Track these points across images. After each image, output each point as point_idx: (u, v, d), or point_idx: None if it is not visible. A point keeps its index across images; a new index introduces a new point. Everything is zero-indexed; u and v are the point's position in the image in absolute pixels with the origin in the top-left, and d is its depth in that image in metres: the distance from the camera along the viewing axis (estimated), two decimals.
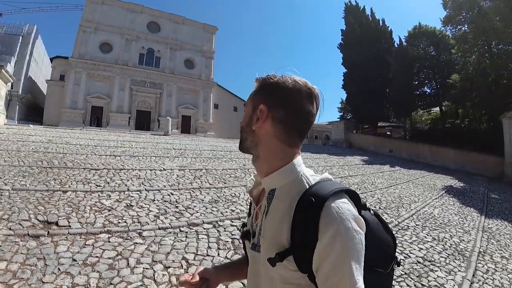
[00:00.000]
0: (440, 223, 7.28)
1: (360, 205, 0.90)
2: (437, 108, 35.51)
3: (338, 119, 38.03)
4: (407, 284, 4.00)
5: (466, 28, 26.98)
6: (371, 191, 9.79)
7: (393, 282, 1.63)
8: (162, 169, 8.99)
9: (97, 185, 6.44)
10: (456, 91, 28.22)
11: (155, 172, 8.40)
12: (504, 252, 5.91)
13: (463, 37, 26.74)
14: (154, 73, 45.00)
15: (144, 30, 46.00)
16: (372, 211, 0.97)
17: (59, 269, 3.26)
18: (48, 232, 4.03)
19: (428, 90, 36.27)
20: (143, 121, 43.08)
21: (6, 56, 36.68)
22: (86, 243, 3.86)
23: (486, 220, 8.52)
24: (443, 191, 12.18)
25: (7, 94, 26.17)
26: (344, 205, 0.80)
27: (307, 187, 0.86)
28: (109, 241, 3.99)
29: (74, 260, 3.45)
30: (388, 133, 38.81)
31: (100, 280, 3.16)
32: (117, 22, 43.51)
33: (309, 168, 0.96)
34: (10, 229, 3.99)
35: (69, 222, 4.39)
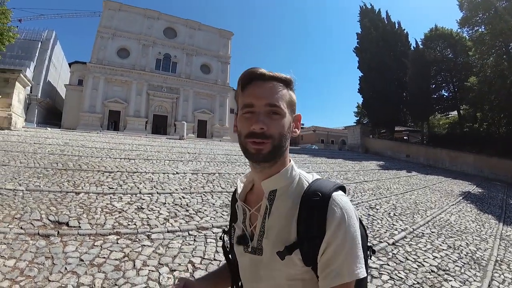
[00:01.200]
0: (457, 230, 7.08)
1: None
2: (455, 112, 34.99)
3: (354, 124, 37.72)
4: None
5: (483, 30, 26.51)
6: (386, 196, 9.61)
7: None
8: (175, 172, 9.01)
9: (109, 187, 6.48)
10: (474, 94, 27.76)
11: (168, 176, 8.42)
12: None
13: (480, 38, 26.21)
14: (171, 78, 45.71)
15: (160, 35, 46.83)
16: None
17: (65, 268, 3.27)
18: (58, 232, 4.06)
19: (446, 94, 36.05)
20: (159, 125, 43.75)
21: (25, 61, 37.71)
22: (95, 244, 3.87)
23: (504, 228, 8.27)
24: (461, 197, 11.89)
25: (26, 98, 26.82)
26: (345, 198, 0.89)
27: (307, 185, 0.92)
28: (117, 243, 3.99)
29: (81, 260, 3.46)
30: (405, 137, 38.26)
31: (105, 281, 3.15)
32: (134, 28, 44.42)
33: (316, 173, 1.01)
34: (21, 228, 4.05)
35: (79, 223, 4.42)
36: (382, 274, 4.16)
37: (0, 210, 4.54)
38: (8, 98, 15.36)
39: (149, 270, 3.44)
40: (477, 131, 29.71)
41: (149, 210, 5.34)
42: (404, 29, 38.39)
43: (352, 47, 42.76)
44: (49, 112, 41.33)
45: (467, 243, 6.18)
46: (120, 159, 10.33)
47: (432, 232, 6.53)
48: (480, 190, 15.01)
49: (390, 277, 4.11)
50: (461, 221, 8.12)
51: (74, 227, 4.30)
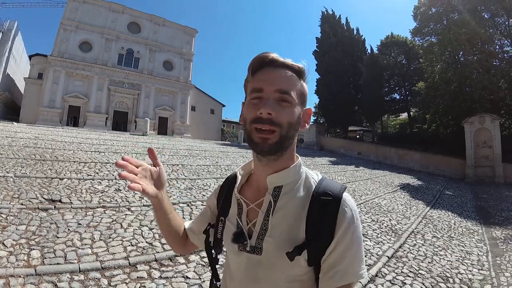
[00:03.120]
0: (384, 210, 8.52)
1: None
2: (406, 114, 37.52)
3: (312, 123, 39.33)
4: None
5: (433, 39, 28.87)
6: None
7: None
8: None
9: (88, 174, 7.47)
10: (421, 98, 30.34)
11: None
12: (437, 233, 7.10)
13: (429, 48, 28.65)
14: (133, 73, 45.32)
15: (124, 30, 46.23)
16: None
17: (68, 229, 4.32)
18: (55, 206, 5.06)
19: (398, 96, 38.30)
20: (120, 122, 43.31)
21: None
22: (87, 214, 4.92)
23: (431, 211, 9.73)
24: (398, 187, 13.46)
25: None
26: (352, 200, 0.91)
27: (315, 183, 0.93)
28: (105, 213, 5.07)
29: (79, 224, 4.52)
30: (357, 136, 40.43)
31: (102, 235, 4.25)
32: (98, 22, 43.62)
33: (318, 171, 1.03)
34: (22, 204, 4.98)
35: (70, 200, 5.43)
36: None
37: None
38: None
39: (133, 229, 4.60)
40: (425, 131, 32.24)
41: (126, 191, 6.42)
42: (362, 35, 40.78)
43: (312, 49, 44.35)
44: (7, 106, 40.06)
45: (390, 219, 7.63)
46: (91, 152, 11.16)
47: (361, 211, 7.90)
48: (419, 183, 16.74)
49: None
50: (391, 204, 9.59)
51: (67, 203, 5.31)
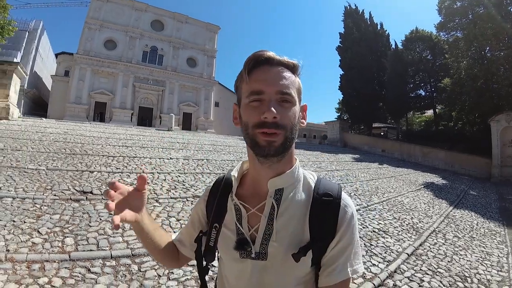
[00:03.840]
0: (407, 208, 8.44)
1: None
2: (431, 111, 36.76)
3: (335, 119, 39.03)
4: None
5: (459, 34, 28.17)
6: (352, 182, 10.92)
7: None
8: (170, 158, 10.26)
9: (117, 168, 7.72)
10: (446, 95, 29.65)
11: (163, 160, 9.66)
12: (459, 233, 7.01)
13: (455, 43, 27.93)
14: (157, 70, 46.12)
15: (148, 28, 47.07)
16: None
17: (100, 219, 4.51)
18: (86, 197, 5.27)
19: (423, 93, 37.53)
20: (145, 118, 44.05)
21: (12, 51, 37.58)
22: None
23: (454, 210, 9.57)
24: (422, 186, 13.23)
25: None
26: (349, 198, 0.93)
27: (314, 184, 0.94)
28: None
29: (111, 214, 4.67)
30: (382, 133, 39.88)
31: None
32: (121, 20, 44.58)
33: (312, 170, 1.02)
34: (55, 195, 5.21)
35: (101, 191, 5.64)
36: None
37: (32, 183, 5.67)
38: (5, 89, 16.05)
39: (161, 219, 4.76)
40: (451, 129, 31.54)
41: (154, 184, 6.60)
42: (386, 30, 39.97)
43: (335, 45, 44.02)
44: (35, 103, 41.29)
45: (412, 217, 7.55)
46: (119, 146, 11.46)
47: (383, 208, 7.89)
48: (444, 182, 16.36)
49: None
50: (414, 202, 9.47)
51: (98, 194, 5.51)
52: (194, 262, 1.05)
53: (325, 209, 0.87)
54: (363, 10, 39.72)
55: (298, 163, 0.95)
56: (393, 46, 37.48)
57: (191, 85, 48.77)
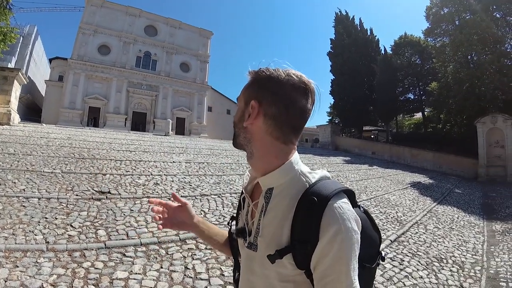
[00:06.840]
0: (393, 204, 9.20)
1: (354, 203, 0.90)
2: (420, 114, 37.75)
3: (326, 123, 39.69)
4: None
5: (446, 40, 29.21)
6: (342, 182, 11.51)
7: None
8: (173, 161, 10.97)
9: (126, 171, 8.36)
10: (434, 98, 30.53)
11: (167, 164, 10.35)
12: (439, 225, 7.75)
13: (442, 48, 28.93)
14: (151, 75, 46.38)
15: (141, 33, 47.30)
16: (362, 208, 0.97)
17: (124, 214, 5.15)
18: (106, 196, 5.90)
19: (412, 96, 38.55)
20: (138, 122, 44.24)
21: (7, 56, 37.67)
22: (135, 203, 5.75)
23: (437, 206, 10.33)
24: (409, 185, 14.04)
25: None
26: (346, 205, 0.81)
27: (307, 186, 0.87)
28: None
29: (132, 210, 5.34)
30: (372, 136, 40.71)
31: (153, 219, 5.04)
32: (115, 25, 44.76)
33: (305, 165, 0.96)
34: (77, 195, 5.82)
35: (118, 192, 6.28)
36: None
37: (53, 185, 6.26)
38: (7, 95, 16.41)
39: None
40: (439, 131, 32.54)
41: (164, 185, 7.29)
42: (376, 36, 40.89)
43: (326, 50, 44.74)
44: (29, 108, 41.32)
45: (396, 212, 8.32)
46: (123, 151, 12.08)
47: (370, 204, 8.65)
48: (431, 181, 17.20)
49: None
50: (399, 199, 10.24)
51: (115, 194, 6.15)
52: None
53: (307, 214, 0.80)
54: (353, 16, 40.67)
55: (290, 163, 0.90)
56: (383, 51, 38.31)
57: (185, 90, 49.09)
